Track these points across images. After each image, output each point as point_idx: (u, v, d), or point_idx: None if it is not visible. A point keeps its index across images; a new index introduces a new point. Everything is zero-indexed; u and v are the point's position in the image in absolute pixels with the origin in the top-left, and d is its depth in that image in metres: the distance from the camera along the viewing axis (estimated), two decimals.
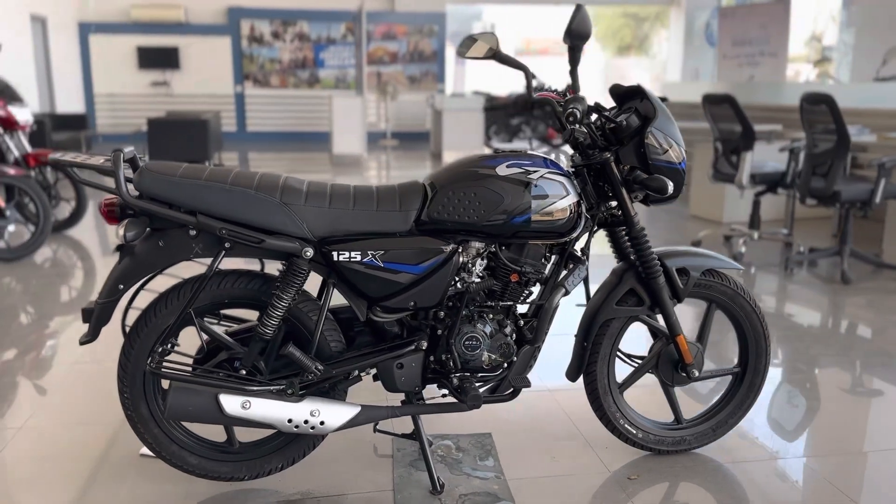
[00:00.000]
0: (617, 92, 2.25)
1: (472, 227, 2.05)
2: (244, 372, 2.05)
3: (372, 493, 2.21)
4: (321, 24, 15.02)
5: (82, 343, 2.02)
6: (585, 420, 2.69)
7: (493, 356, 2.16)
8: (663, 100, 2.22)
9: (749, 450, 2.51)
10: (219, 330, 2.14)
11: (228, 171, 2.01)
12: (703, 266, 2.30)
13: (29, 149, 5.83)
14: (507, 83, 17.55)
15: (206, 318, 2.15)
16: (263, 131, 15.18)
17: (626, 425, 2.40)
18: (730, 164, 5.26)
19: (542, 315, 2.09)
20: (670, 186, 2.09)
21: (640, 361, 2.44)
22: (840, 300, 4.26)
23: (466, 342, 2.13)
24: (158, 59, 14.50)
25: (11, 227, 5.12)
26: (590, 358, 2.35)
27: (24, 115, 5.68)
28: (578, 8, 1.83)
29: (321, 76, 15.23)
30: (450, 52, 15.80)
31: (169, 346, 2.06)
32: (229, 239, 1.94)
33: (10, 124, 5.59)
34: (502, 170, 2.07)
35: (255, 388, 1.98)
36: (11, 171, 5.00)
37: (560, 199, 2.07)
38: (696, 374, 2.35)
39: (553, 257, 2.24)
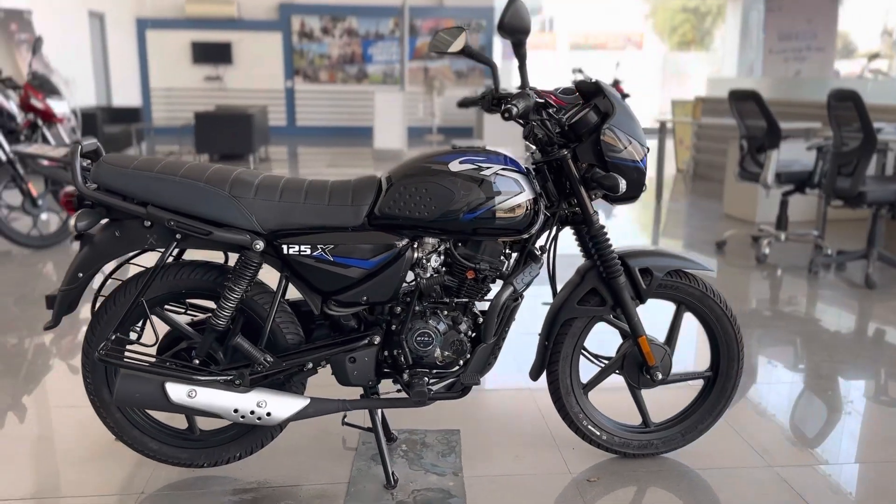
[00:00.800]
0: (581, 88, 2.21)
1: (423, 223, 2.04)
2: (198, 361, 2.10)
3: (326, 485, 2.24)
4: (370, 20, 15.14)
5: (46, 329, 2.10)
6: (559, 420, 2.65)
7: (447, 353, 2.16)
8: (625, 96, 2.17)
9: (726, 456, 2.44)
10: (183, 319, 2.19)
11: (182, 164, 2.05)
12: (668, 267, 2.24)
13: (67, 140, 6.06)
14: (561, 78, 17.39)
15: (169, 308, 2.20)
16: (312, 126, 15.41)
17: (589, 426, 2.36)
18: (755, 163, 5.10)
19: (489, 312, 2.07)
20: (622, 185, 2.05)
21: (606, 362, 2.40)
22: (862, 305, 4.09)
23: (418, 338, 2.13)
24: (212, 54, 14.86)
25: (44, 216, 5.33)
26: (551, 357, 2.32)
27: (61, 108, 5.89)
28: (512, 1, 1.80)
29: (369, 71, 15.36)
30: (498, 47, 15.75)
31: (130, 334, 2.12)
32: (178, 230, 1.99)
33: (48, 117, 5.81)
34: (455, 166, 2.06)
35: (201, 378, 2.02)
36: (45, 161, 5.20)
37: (513, 196, 2.05)
38: (660, 376, 2.30)
39: (514, 255, 2.22)
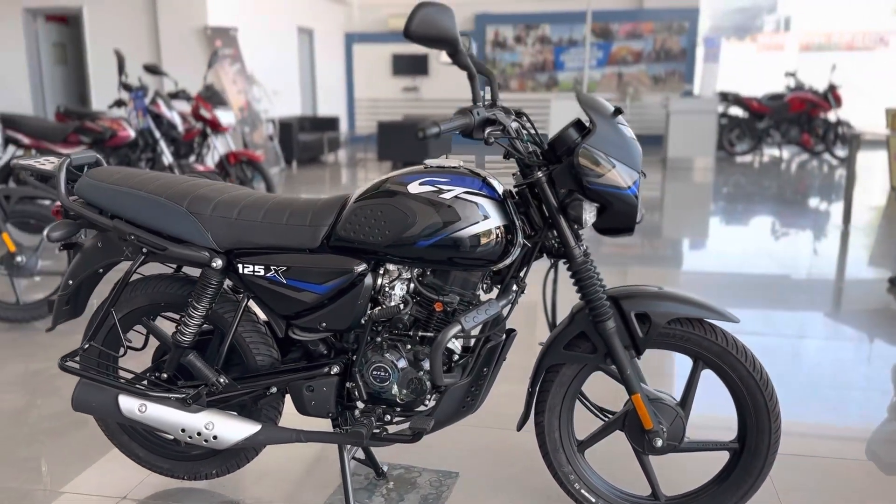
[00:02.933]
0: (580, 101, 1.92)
1: (378, 248, 1.88)
2: (164, 376, 2.11)
3: None
4: (563, 27, 14.88)
5: (47, 331, 2.23)
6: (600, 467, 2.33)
7: (404, 391, 1.97)
8: (618, 111, 1.85)
9: None
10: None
11: (158, 178, 2.07)
12: (673, 314, 1.87)
13: (233, 147, 6.57)
14: (770, 83, 15.90)
15: (157, 319, 2.23)
16: None
17: (582, 490, 2.04)
18: None
19: (432, 352, 1.84)
20: (586, 216, 1.75)
21: (610, 416, 2.06)
22: None
23: (374, 372, 1.97)
24: (410, 66, 15.46)
25: (37, 277, 5.66)
26: (537, 407, 2.04)
27: (227, 118, 6.40)
28: (419, 7, 1.58)
29: (560, 79, 15.10)
30: (700, 51, 14.73)
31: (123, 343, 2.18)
32: (139, 244, 2.01)
33: (215, 126, 6.34)
34: (414, 187, 1.88)
35: (153, 394, 2.02)
36: (200, 167, 5.67)
37: (474, 223, 1.82)
38: (660, 444, 1.92)
39: (495, 287, 1.98)
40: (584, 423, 2.30)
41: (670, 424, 1.95)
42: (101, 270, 2.17)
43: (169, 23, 9.48)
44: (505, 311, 1.94)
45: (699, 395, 2.86)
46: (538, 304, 4.09)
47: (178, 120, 5.79)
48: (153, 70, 6.10)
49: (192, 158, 6.55)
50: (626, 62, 14.81)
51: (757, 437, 1.93)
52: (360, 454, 2.35)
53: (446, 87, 15.47)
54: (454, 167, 1.94)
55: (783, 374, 3.15)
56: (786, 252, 5.39)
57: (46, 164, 2.10)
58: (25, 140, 5.67)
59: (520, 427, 2.06)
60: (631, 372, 1.90)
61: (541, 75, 15.16)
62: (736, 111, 12.45)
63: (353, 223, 1.90)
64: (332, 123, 12.77)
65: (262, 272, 1.96)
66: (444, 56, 2.00)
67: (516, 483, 2.31)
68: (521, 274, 1.97)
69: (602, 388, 2.77)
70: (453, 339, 2.03)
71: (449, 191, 1.85)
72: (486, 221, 1.83)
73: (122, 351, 2.14)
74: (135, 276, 2.15)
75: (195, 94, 6.47)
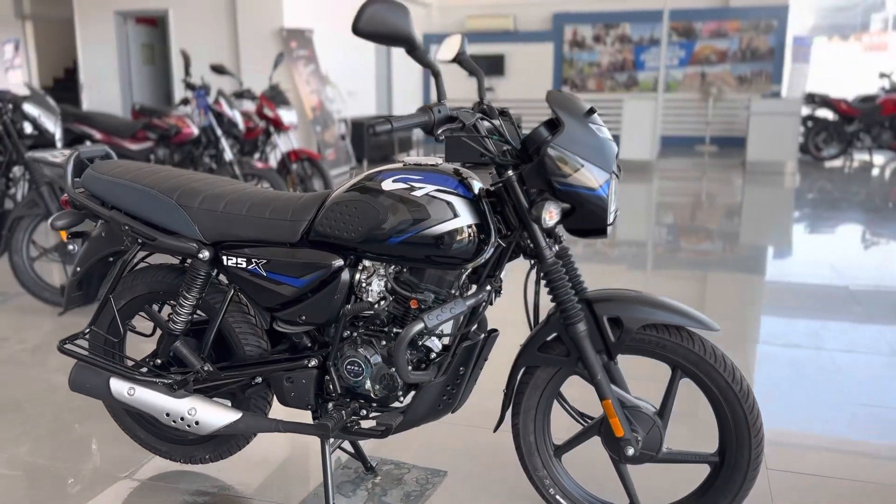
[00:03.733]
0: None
1: (352, 244, 1.91)
2: (159, 362, 2.20)
3: (268, 500, 2.19)
4: (644, 26, 14.55)
5: (59, 315, 2.36)
6: (584, 475, 2.28)
7: (377, 386, 1.98)
8: (591, 111, 1.80)
9: None
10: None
11: (156, 171, 2.16)
12: (646, 319, 1.81)
13: (295, 146, 6.75)
14: (872, 85, 15.04)
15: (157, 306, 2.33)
16: None
17: (557, 496, 2.01)
18: None
19: (395, 348, 1.84)
20: (545, 218, 1.71)
21: (589, 421, 2.02)
22: None
23: (348, 366, 1.99)
24: (486, 66, 15.46)
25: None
26: (514, 409, 2.01)
27: (289, 116, 6.58)
28: (366, 4, 1.57)
29: (640, 78, 14.76)
30: (787, 49, 14.09)
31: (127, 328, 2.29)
32: (132, 234, 2.10)
33: (277, 124, 6.53)
34: (388, 184, 1.89)
35: (141, 378, 2.11)
36: (259, 164, 5.86)
37: (444, 221, 1.81)
38: (631, 452, 1.86)
39: (472, 286, 1.97)
40: (566, 426, 2.26)
41: (646, 433, 1.89)
42: (110, 259, 2.29)
43: (247, 24, 9.82)
44: (470, 310, 1.92)
45: (687, 406, 2.78)
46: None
47: (238, 118, 5.99)
48: (219, 70, 6.33)
49: (256, 156, 6.77)
50: (709, 62, 14.33)
51: (737, 451, 1.84)
52: (350, 448, 2.38)
53: (522, 87, 15.39)
54: (432, 165, 1.94)
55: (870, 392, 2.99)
56: (874, 263, 5.10)
57: (58, 157, 2.23)
58: (97, 135, 5.99)
59: (496, 428, 2.04)
60: (602, 377, 1.85)
61: (620, 75, 14.87)
62: (824, 113, 11.85)
63: (329, 219, 1.92)
64: None
65: (244, 264, 2.02)
66: (441, 54, 2.01)
67: (503, 485, 2.29)
68: (499, 273, 1.95)
69: (589, 392, 2.70)
70: (433, 338, 2.03)
71: (420, 188, 1.85)
72: (456, 220, 1.82)
73: (120, 336, 2.24)
74: (141, 266, 2.26)
75: (260, 93, 6.68)
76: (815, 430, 2.65)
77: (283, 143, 6.74)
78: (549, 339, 1.93)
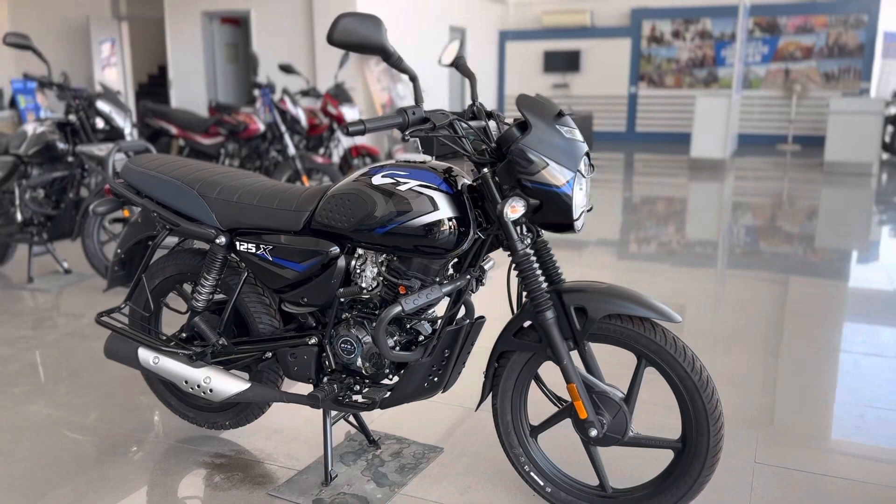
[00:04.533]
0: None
1: (345, 234, 2.09)
2: (184, 336, 2.45)
3: (282, 467, 2.42)
4: (725, 21, 14.19)
5: (103, 291, 2.65)
6: (563, 457, 2.41)
7: (366, 364, 2.17)
8: (560, 114, 1.92)
9: None
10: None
11: (184, 165, 2.41)
12: (609, 309, 1.92)
13: (356, 142, 7.03)
14: None
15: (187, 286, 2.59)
16: (652, 132, 15.06)
17: (532, 473, 2.14)
18: None
19: (375, 329, 2.01)
20: (510, 213, 1.85)
21: (564, 404, 2.14)
22: None
23: (342, 345, 2.18)
24: (561, 63, 15.44)
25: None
26: (493, 390, 2.16)
27: (352, 114, 6.86)
28: (339, 17, 1.73)
29: (720, 75, 14.42)
30: (879, 46, 13.46)
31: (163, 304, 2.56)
32: (160, 221, 2.35)
33: (340, 121, 6.82)
34: (377, 179, 2.06)
35: (165, 349, 2.36)
36: (319, 159, 6.15)
37: (425, 214, 1.98)
38: (594, 433, 1.98)
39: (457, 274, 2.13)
40: (548, 410, 2.38)
41: (613, 417, 2.00)
42: (150, 243, 2.56)
43: (323, 24, 10.19)
44: (454, 296, 2.07)
45: (663, 393, 2.84)
46: None
47: (301, 115, 6.31)
48: (287, 69, 6.67)
49: (320, 151, 7.09)
50: (794, 58, 13.87)
51: (696, 439, 1.93)
52: (355, 423, 2.57)
53: (597, 83, 15.29)
54: (420, 162, 2.10)
55: None
56: None
57: (102, 150, 2.51)
58: (174, 130, 6.43)
59: (477, 408, 2.19)
60: (567, 362, 1.97)
61: (699, 71, 14.56)
62: None
63: (327, 209, 2.12)
64: None
65: (253, 249, 2.24)
66: (444, 58, 2.17)
67: (492, 462, 2.43)
68: (481, 263, 2.10)
69: None
70: (423, 322, 2.20)
71: (405, 183, 2.02)
72: (436, 212, 1.97)
73: (152, 311, 2.50)
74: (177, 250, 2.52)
75: (325, 91, 6.99)
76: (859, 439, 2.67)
77: (346, 140, 7.02)
78: (524, 326, 2.07)
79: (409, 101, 11.30)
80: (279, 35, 10.55)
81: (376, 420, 2.74)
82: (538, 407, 2.77)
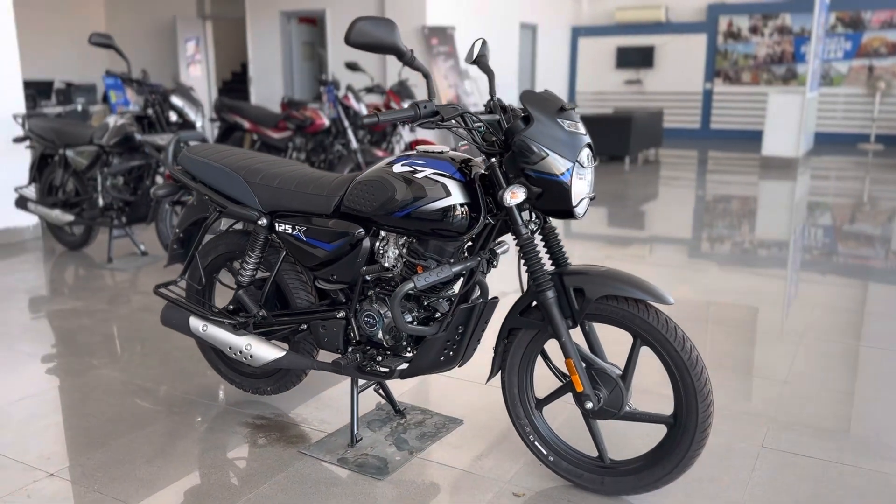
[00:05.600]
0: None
1: (369, 217, 2.30)
2: (231, 308, 2.72)
3: (315, 430, 2.65)
4: (806, 16, 13.77)
5: (164, 267, 2.94)
6: (567, 430, 2.56)
7: (387, 337, 2.37)
8: (562, 109, 2.05)
9: None
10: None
11: (233, 154, 2.66)
12: (605, 291, 2.05)
13: (416, 136, 7.26)
14: None
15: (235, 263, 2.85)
16: (726, 129, 14.76)
17: (536, 443, 2.30)
18: None
19: (391, 303, 2.20)
20: (509, 198, 2.01)
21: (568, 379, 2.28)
22: None
23: (365, 318, 2.39)
24: (634, 59, 15.31)
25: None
26: (501, 366, 2.32)
27: None
28: (355, 21, 1.91)
29: (799, 71, 14.01)
30: None
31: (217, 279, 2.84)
32: (209, 203, 2.62)
33: None
34: (397, 167, 2.26)
35: (212, 318, 2.62)
36: (379, 152, 6.41)
37: (438, 199, 2.16)
38: (590, 405, 2.12)
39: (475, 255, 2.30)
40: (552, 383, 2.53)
41: (610, 393, 2.14)
42: (204, 224, 2.83)
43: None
44: (467, 275, 2.25)
45: (662, 371, 2.93)
46: None
47: (364, 111, 6.58)
48: (353, 67, 6.96)
49: (383, 145, 7.36)
50: (878, 54, 13.35)
51: (686, 415, 2.05)
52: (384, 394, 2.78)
53: (671, 79, 15.09)
54: (439, 153, 2.29)
55: None
56: None
57: (164, 139, 2.79)
58: (246, 124, 6.81)
59: (487, 381, 2.36)
60: (566, 339, 2.12)
61: (777, 67, 14.19)
62: None
63: (354, 195, 2.33)
64: None
65: (290, 230, 2.48)
66: (468, 56, 2.35)
67: (505, 435, 2.60)
68: (492, 246, 2.27)
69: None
70: (441, 300, 2.39)
71: (421, 172, 2.21)
72: (448, 198, 2.16)
73: (203, 284, 2.78)
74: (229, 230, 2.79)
75: (388, 88, 7.25)
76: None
77: (408, 134, 7.27)
78: (531, 305, 2.23)
79: (475, 98, 11.48)
80: None
81: (406, 393, 2.95)
82: (547, 382, 2.92)
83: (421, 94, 10.18)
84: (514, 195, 2.04)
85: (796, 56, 14.02)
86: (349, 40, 1.95)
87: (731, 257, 5.18)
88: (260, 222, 2.52)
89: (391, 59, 10.46)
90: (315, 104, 6.84)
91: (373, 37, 1.96)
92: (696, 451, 2.07)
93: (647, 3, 15.09)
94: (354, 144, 6.36)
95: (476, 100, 11.49)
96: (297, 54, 12.08)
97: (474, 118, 2.13)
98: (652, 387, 3.00)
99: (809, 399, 2.90)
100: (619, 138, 10.65)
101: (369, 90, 7.21)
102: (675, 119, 15.24)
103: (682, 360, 2.02)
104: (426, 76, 2.10)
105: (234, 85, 15.35)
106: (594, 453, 2.31)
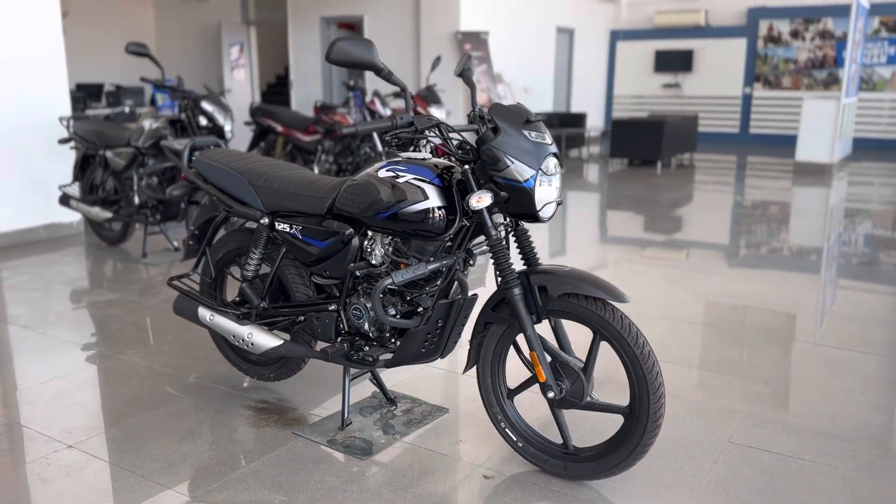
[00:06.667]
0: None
1: (356, 218, 2.50)
2: (238, 299, 2.95)
3: (310, 413, 2.87)
4: (848, 20, 13.55)
5: (181, 261, 3.20)
6: (534, 421, 2.72)
7: (373, 329, 2.57)
8: (528, 121, 2.22)
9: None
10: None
11: (241, 157, 2.90)
12: (564, 289, 2.22)
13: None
14: None
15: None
16: (766, 134, 14.61)
17: (507, 430, 2.47)
18: None
19: (371, 297, 2.39)
20: (474, 202, 2.18)
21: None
22: None
23: (353, 311, 2.60)
24: (673, 62, 15.26)
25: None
26: (477, 356, 2.50)
27: (439, 114, 7.30)
28: (334, 41, 2.11)
29: (841, 76, 13.78)
30: None
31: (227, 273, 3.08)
32: (218, 203, 2.85)
33: None
34: (382, 172, 2.46)
35: (218, 308, 2.86)
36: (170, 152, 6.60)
37: (417, 202, 2.35)
38: (551, 395, 2.28)
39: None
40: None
41: (572, 384, 2.30)
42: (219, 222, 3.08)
43: (428, 29, 10.72)
44: (445, 273, 2.43)
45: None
46: None
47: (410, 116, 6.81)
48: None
49: (410, 149, 7.56)
50: None
51: (639, 406, 2.20)
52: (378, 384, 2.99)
53: (709, 83, 15.01)
54: (421, 159, 2.48)
55: None
56: None
57: (180, 144, 3.05)
58: (279, 128, 7.10)
59: (464, 371, 2.54)
60: (531, 332, 2.29)
61: (818, 72, 14.01)
62: None
63: (344, 197, 2.53)
64: (577, 120, 13.19)
65: (288, 229, 2.70)
66: (456, 70, 2.54)
67: (485, 423, 2.78)
68: (469, 246, 2.45)
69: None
70: (424, 295, 2.58)
71: (403, 176, 2.40)
72: (426, 201, 2.35)
73: (213, 277, 3.02)
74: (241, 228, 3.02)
75: (415, 93, 7.46)
76: None
77: (435, 139, 7.46)
78: (502, 301, 2.40)
79: (508, 102, 11.63)
80: (390, 38, 11.17)
81: (399, 383, 3.14)
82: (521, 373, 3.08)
83: (448, 99, 10.38)
84: (480, 199, 2.22)
85: (838, 61, 13.81)
86: (330, 58, 2.15)
87: (745, 260, 5.25)
88: (262, 221, 2.75)
89: (421, 67, 10.69)
90: (344, 109, 7.09)
91: (351, 55, 2.16)
92: (649, 440, 2.21)
93: (686, 6, 15.04)
94: (380, 148, 6.59)
95: (509, 103, 11.64)
96: None
97: (449, 128, 2.32)
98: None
99: (791, 399, 3.01)
100: (651, 142, 10.68)
101: (397, 95, 7.43)
102: (714, 123, 15.15)
103: (635, 355, 2.17)
104: (403, 90, 2.29)
105: (277, 88, 15.78)
106: (559, 440, 2.47)
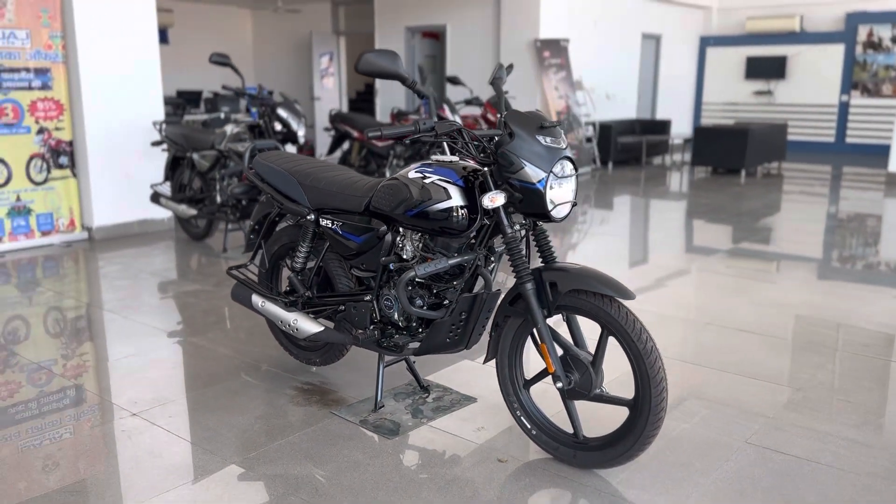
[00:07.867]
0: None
1: (389, 215, 2.71)
2: (287, 288, 3.22)
3: (347, 395, 3.09)
4: None
5: (243, 253, 3.50)
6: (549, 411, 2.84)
7: (402, 318, 2.77)
8: (542, 127, 2.36)
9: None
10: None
11: (294, 159, 3.16)
12: (574, 285, 2.34)
13: None
14: None
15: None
16: (863, 143, 13.97)
17: (522, 418, 2.61)
18: None
19: (397, 288, 2.59)
20: (487, 202, 2.34)
21: None
22: None
23: (384, 302, 2.80)
24: (765, 69, 14.83)
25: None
26: (496, 348, 2.66)
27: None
28: (361, 54, 2.30)
29: None
30: None
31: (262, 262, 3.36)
32: (273, 200, 3.12)
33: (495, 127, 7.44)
34: (412, 174, 2.66)
35: (269, 296, 3.13)
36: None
37: (441, 201, 2.53)
38: (560, 385, 2.41)
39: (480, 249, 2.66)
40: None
41: (581, 376, 2.43)
42: (276, 218, 3.36)
43: (508, 37, 10.88)
44: (469, 269, 2.60)
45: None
46: None
47: (458, 122, 7.02)
48: (454, 81, 7.42)
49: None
50: None
51: (642, 399, 2.31)
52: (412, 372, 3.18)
53: (804, 91, 14.49)
54: (448, 162, 2.67)
55: None
56: None
57: (243, 147, 3.34)
58: (354, 133, 7.44)
59: (485, 362, 2.70)
60: (542, 325, 2.43)
61: None
62: None
63: (379, 196, 2.75)
64: (660, 126, 13.02)
65: (329, 224, 2.93)
66: (489, 78, 2.73)
67: (507, 413, 2.92)
68: (490, 244, 2.62)
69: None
70: (450, 289, 2.76)
71: (430, 177, 2.59)
72: (449, 201, 2.53)
73: (267, 268, 3.29)
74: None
75: (486, 100, 7.65)
76: None
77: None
78: (519, 296, 2.55)
79: (587, 109, 11.65)
80: (471, 47, 11.41)
81: (436, 374, 3.33)
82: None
83: (518, 106, 10.49)
84: (493, 200, 2.38)
85: None
86: (358, 69, 2.37)
87: (812, 271, 5.16)
88: (308, 217, 3.00)
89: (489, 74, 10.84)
90: (416, 115, 7.35)
91: (378, 66, 2.37)
92: (652, 431, 2.31)
93: (780, 11, 14.59)
94: (447, 151, 6.81)
95: (588, 110, 11.66)
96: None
97: (469, 133, 2.49)
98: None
99: (821, 406, 3.01)
100: (736, 150, 10.47)
101: (468, 102, 7.64)
102: (807, 132, 14.61)
103: (638, 350, 2.28)
104: (427, 98, 2.48)
105: (365, 96, 16.32)
106: (572, 430, 2.59)
